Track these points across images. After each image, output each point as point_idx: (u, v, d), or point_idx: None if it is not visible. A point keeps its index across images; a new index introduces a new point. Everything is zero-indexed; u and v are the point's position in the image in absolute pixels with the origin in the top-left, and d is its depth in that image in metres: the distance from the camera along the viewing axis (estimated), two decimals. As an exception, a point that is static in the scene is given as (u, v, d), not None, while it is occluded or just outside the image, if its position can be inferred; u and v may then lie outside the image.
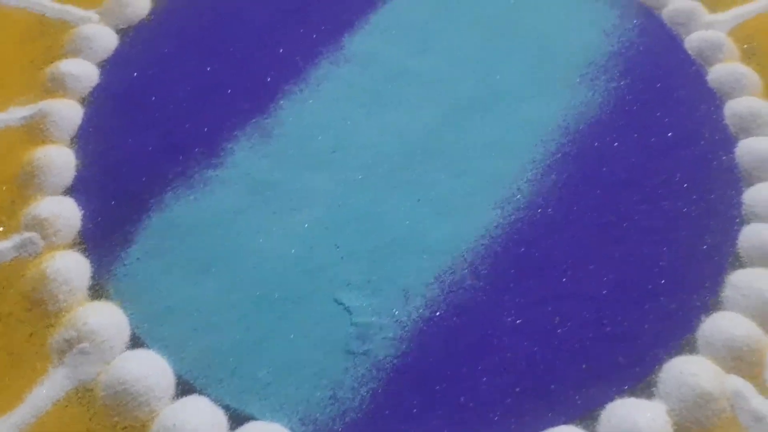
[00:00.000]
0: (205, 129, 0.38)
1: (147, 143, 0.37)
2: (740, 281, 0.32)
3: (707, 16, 0.41)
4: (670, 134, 0.37)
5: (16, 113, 0.38)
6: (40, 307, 0.32)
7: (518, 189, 0.36)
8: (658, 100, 0.38)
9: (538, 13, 0.41)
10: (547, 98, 0.38)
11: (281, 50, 0.40)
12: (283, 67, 0.40)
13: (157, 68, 0.40)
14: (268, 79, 0.39)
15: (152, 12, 0.42)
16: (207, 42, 0.41)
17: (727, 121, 0.38)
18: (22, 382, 0.31)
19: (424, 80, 0.39)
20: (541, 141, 0.37)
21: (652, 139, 0.37)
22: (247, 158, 0.37)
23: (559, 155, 0.37)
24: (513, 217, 0.35)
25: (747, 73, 0.38)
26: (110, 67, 0.40)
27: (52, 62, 0.40)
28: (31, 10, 0.42)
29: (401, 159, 0.37)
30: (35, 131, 0.37)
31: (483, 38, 0.40)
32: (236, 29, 0.41)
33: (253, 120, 0.38)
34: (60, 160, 0.36)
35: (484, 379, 0.30)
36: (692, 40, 0.40)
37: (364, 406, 0.29)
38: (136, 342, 0.32)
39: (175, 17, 0.41)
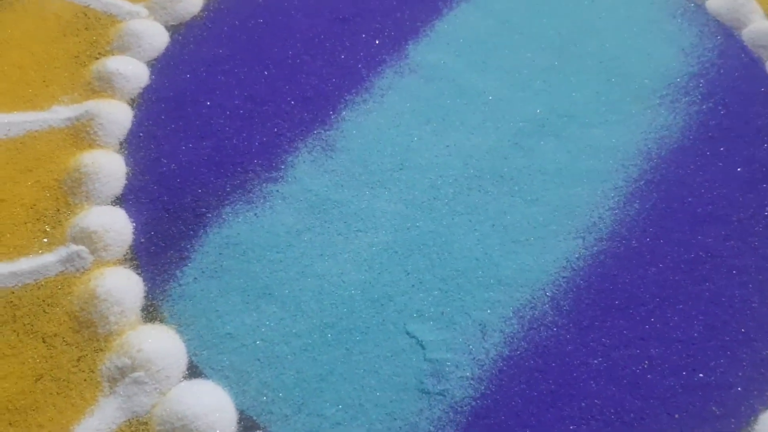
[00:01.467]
0: (264, 139, 0.35)
1: (202, 152, 0.35)
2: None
3: (790, 38, 0.38)
4: (756, 165, 0.35)
5: (61, 113, 0.35)
6: (89, 328, 0.30)
7: (600, 218, 0.34)
8: (742, 127, 0.36)
9: (609, 30, 0.39)
10: (624, 121, 0.36)
11: (342, 57, 0.38)
12: (345, 76, 0.37)
13: (211, 71, 0.37)
14: (330, 88, 0.37)
15: (205, 9, 0.40)
16: (263, 45, 0.38)
17: (817, 152, 0.35)
18: (69, 413, 0.28)
19: (489, 98, 0.37)
20: (622, 166, 0.35)
21: (738, 170, 0.35)
22: (309, 173, 0.34)
23: (642, 182, 0.35)
24: (596, 248, 0.33)
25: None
26: (161, 67, 0.37)
27: (97, 59, 0.37)
28: (75, 0, 0.39)
29: (470, 182, 0.35)
30: (81, 134, 0.34)
31: (549, 56, 0.38)
32: (294, 32, 0.38)
33: (315, 131, 0.36)
34: (110, 166, 0.34)
35: (571, 427, 0.28)
36: (776, 64, 0.38)
37: (443, 454, 0.27)
38: (193, 371, 0.29)
39: (228, 16, 0.39)
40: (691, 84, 0.38)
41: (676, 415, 0.29)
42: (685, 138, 0.37)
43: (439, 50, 0.40)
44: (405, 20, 0.40)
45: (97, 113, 0.35)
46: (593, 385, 0.30)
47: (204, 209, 0.34)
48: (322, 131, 0.36)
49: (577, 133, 0.37)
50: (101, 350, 0.30)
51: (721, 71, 0.39)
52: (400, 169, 0.35)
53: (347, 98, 0.38)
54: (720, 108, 0.38)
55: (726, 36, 0.40)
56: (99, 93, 0.36)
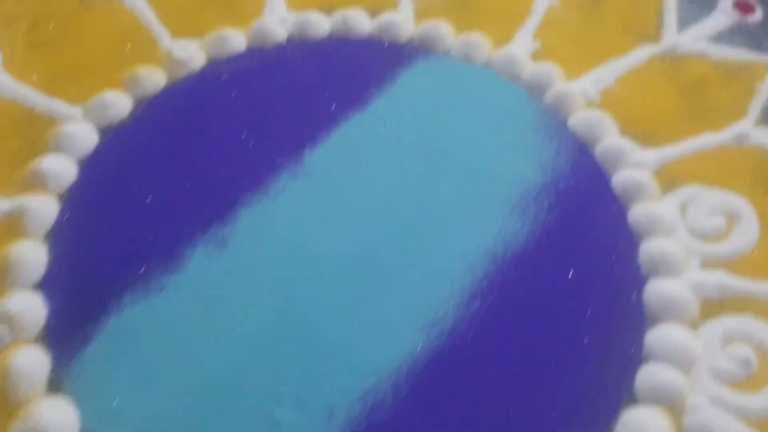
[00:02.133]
0: (167, 233, 0.42)
1: (113, 244, 0.41)
2: (630, 419, 0.36)
3: (638, 154, 0.45)
4: (585, 271, 0.41)
5: (-3, 206, 0.41)
6: (2, 399, 0.36)
7: (444, 314, 0.40)
8: (579, 236, 0.42)
9: (479, 143, 0.45)
10: (478, 226, 0.42)
11: (245, 160, 0.44)
12: (245, 177, 0.44)
13: (130, 170, 0.44)
14: (231, 188, 0.43)
15: (132, 113, 0.46)
16: (177, 148, 0.44)
17: (640, 260, 0.42)
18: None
19: (371, 199, 0.43)
20: (469, 267, 0.41)
21: (570, 274, 0.41)
22: (202, 266, 0.41)
23: (485, 283, 0.41)
24: (437, 341, 0.39)
25: (664, 215, 0.42)
26: (88, 165, 0.44)
27: (35, 157, 0.44)
28: (22, 102, 0.46)
29: (344, 275, 0.41)
30: (13, 226, 0.41)
31: (425, 164, 0.44)
32: (207, 138, 0.45)
33: (212, 228, 0.42)
34: (33, 256, 0.40)
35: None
36: (618, 179, 0.44)
37: None
38: (85, 440, 0.35)
39: (153, 120, 0.45)
40: (541, 195, 0.45)
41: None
42: (529, 244, 0.43)
43: (332, 156, 0.46)
44: (305, 128, 0.47)
45: (28, 207, 0.42)
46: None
47: (108, 297, 0.40)
48: (219, 228, 0.43)
49: (437, 235, 0.43)
50: (10, 418, 0.36)
51: (570, 183, 0.45)
52: (283, 263, 0.42)
53: (245, 198, 0.44)
54: (564, 218, 0.44)
55: (580, 151, 0.47)
56: (33, 188, 0.43)
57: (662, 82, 0.44)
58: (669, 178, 0.45)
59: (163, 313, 0.39)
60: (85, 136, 0.44)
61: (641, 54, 0.49)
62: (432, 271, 0.41)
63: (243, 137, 0.45)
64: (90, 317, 0.38)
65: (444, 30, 0.50)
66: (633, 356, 0.39)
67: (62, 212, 0.41)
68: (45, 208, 0.41)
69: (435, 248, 0.42)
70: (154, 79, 0.47)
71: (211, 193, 0.43)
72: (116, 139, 0.44)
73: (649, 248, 0.42)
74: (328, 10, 0.52)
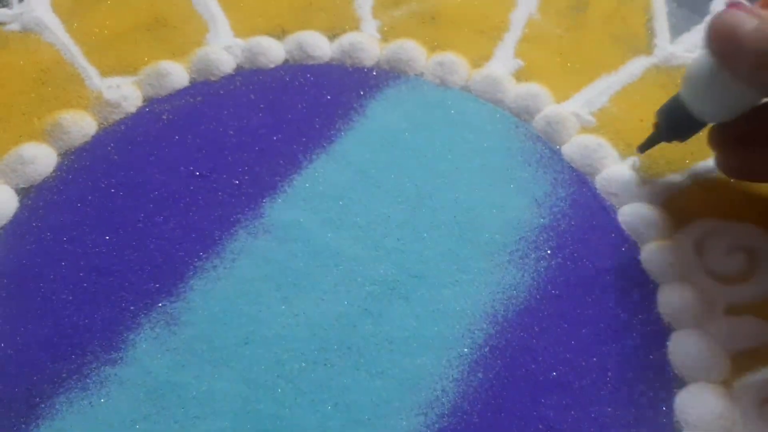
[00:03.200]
0: (107, 315, 0.35)
1: (41, 332, 0.34)
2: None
3: (645, 185, 0.39)
4: (601, 325, 0.36)
5: None
6: None
7: (443, 390, 0.34)
8: (589, 284, 0.37)
9: (464, 181, 0.39)
10: (474, 281, 0.36)
11: (196, 217, 0.38)
12: (197, 239, 0.37)
13: (58, 240, 0.36)
14: (180, 253, 0.36)
15: (57, 169, 0.39)
16: (114, 207, 0.37)
17: (659, 310, 0.36)
18: None
19: (342, 259, 0.37)
20: (468, 331, 0.35)
21: (583, 331, 0.35)
22: (149, 352, 0.34)
23: (487, 348, 0.35)
24: (437, 425, 0.33)
25: (680, 257, 0.37)
26: (6, 237, 0.37)
27: (-59, 229, 0.36)
28: (-76, 163, 0.38)
29: (316, 355, 0.34)
30: None
31: (405, 211, 0.38)
32: (147, 191, 0.38)
33: (160, 304, 0.35)
34: (-62, 358, 0.32)
35: None
36: (625, 214, 0.39)
37: None
38: None
39: (81, 176, 0.38)
40: (541, 238, 0.39)
41: None
42: (532, 297, 0.37)
43: (295, 207, 0.39)
44: (264, 175, 0.40)
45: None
46: None
47: (38, 399, 0.33)
48: (168, 303, 0.36)
49: (427, 296, 0.37)
50: None
51: (572, 222, 0.40)
52: (245, 343, 0.35)
53: (197, 264, 0.37)
54: (568, 263, 0.38)
55: (579, 183, 0.41)
56: (-63, 270, 0.35)
57: (661, 97, 0.39)
58: (679, 210, 0.39)
59: (106, 414, 0.32)
60: (1, 202, 0.36)
61: (635, 67, 0.44)
62: (424, 340, 0.35)
63: (191, 189, 0.38)
64: (18, 425, 0.31)
65: (414, 51, 0.44)
66: (663, 426, 0.33)
67: (-24, 296, 0.34)
68: (-49, 295, 0.33)
69: (425, 312, 0.35)
70: (82, 125, 0.40)
71: (156, 260, 0.36)
72: (41, 201, 0.37)
73: (668, 296, 0.36)
74: (280, 33, 0.45)
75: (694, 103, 0.33)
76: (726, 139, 0.35)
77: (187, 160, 0.40)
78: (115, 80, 0.43)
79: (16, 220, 0.37)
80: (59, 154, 0.40)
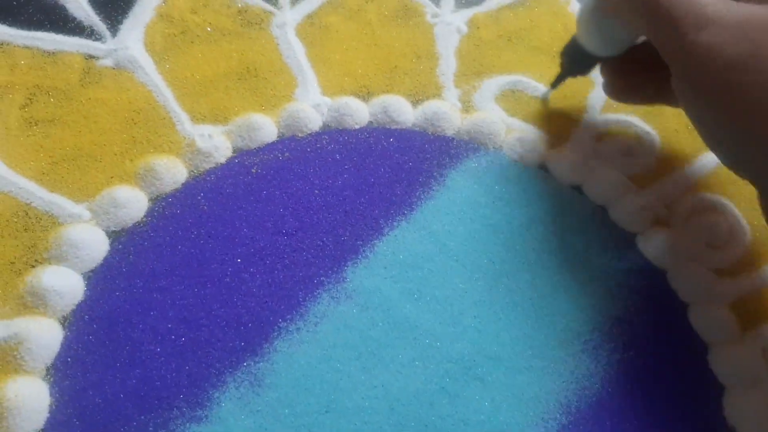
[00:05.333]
0: (193, 370, 0.35)
1: (129, 383, 0.35)
2: None
3: (717, 284, 0.40)
4: (669, 425, 0.36)
5: (-12, 331, 0.35)
6: None
7: (516, 479, 0.34)
8: (659, 382, 0.38)
9: (541, 263, 0.40)
10: (548, 368, 0.37)
11: (281, 276, 0.38)
12: (282, 298, 0.38)
13: (148, 287, 0.37)
14: (266, 312, 0.37)
15: (148, 214, 0.40)
16: (203, 259, 0.38)
17: (727, 415, 0.37)
18: None
19: (420, 333, 0.38)
20: (541, 420, 0.36)
21: (651, 430, 0.36)
22: (234, 413, 0.35)
23: (560, 439, 0.36)
24: None
25: (748, 364, 0.38)
26: (97, 280, 0.37)
27: (33, 266, 0.37)
28: (16, 196, 0.39)
29: (393, 430, 0.35)
30: (8, 357, 0.34)
31: (482, 288, 0.39)
32: (236, 246, 0.39)
33: (245, 363, 0.36)
34: (32, 400, 0.33)
35: None
36: (696, 313, 0.39)
37: None
38: None
39: (171, 224, 0.39)
40: (615, 329, 0.40)
41: None
42: (605, 390, 0.38)
43: (376, 274, 0.40)
44: (347, 238, 0.41)
45: (26, 336, 0.35)
46: None
47: (125, 452, 0.34)
48: (252, 363, 0.37)
49: (502, 379, 0.38)
50: None
51: (645, 317, 0.40)
52: (326, 411, 0.36)
53: (281, 325, 0.38)
54: (640, 358, 0.39)
55: (653, 276, 0.42)
56: (31, 309, 0.36)
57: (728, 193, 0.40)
58: (751, 311, 0.40)
59: (190, 475, 0.32)
60: (93, 243, 0.37)
61: (707, 161, 0.45)
62: (498, 425, 0.35)
63: (277, 246, 0.39)
64: (103, 480, 0.31)
65: (495, 125, 0.45)
66: None
67: (67, 340, 0.35)
68: (46, 335, 0.34)
69: (500, 396, 0.36)
70: (174, 172, 0.41)
71: (242, 317, 0.37)
72: (131, 246, 0.38)
73: (735, 402, 0.37)
74: (366, 95, 0.46)
75: (584, 41, 0.40)
76: (614, 69, 0.40)
77: (274, 217, 0.41)
78: (207, 128, 0.43)
79: (107, 264, 0.38)
80: (150, 199, 0.40)
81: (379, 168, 0.44)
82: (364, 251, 0.40)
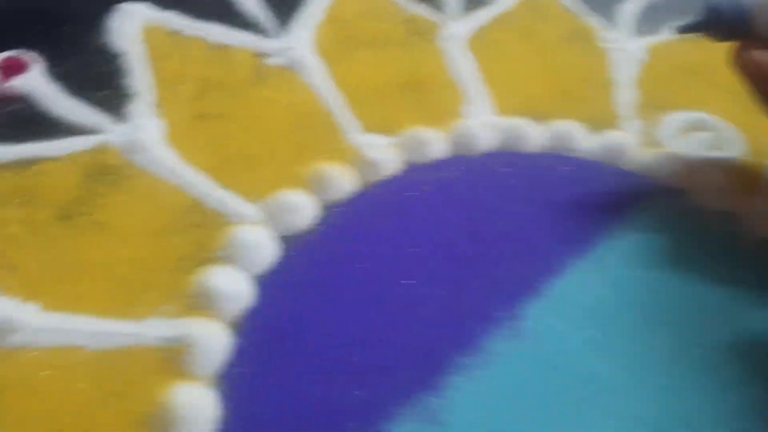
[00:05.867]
0: (364, 397, 0.33)
1: (299, 401, 0.33)
2: None
3: None
4: None
5: (155, 329, 0.33)
6: None
7: None
8: None
9: (735, 323, 0.36)
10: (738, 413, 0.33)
11: (455, 305, 0.36)
12: (455, 330, 0.35)
13: (321, 298, 0.35)
14: (441, 343, 0.35)
15: (320, 221, 0.38)
16: (375, 278, 0.36)
17: None
18: None
19: (604, 388, 0.34)
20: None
21: None
22: (407, 449, 0.32)
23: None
24: None
25: None
26: (267, 285, 0.35)
27: (201, 265, 0.35)
28: (187, 190, 0.37)
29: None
30: (175, 360, 0.32)
31: (671, 343, 0.35)
32: (408, 268, 0.37)
33: (417, 395, 0.33)
34: (201, 409, 0.32)
35: None
36: None
37: None
38: None
39: (344, 232, 0.37)
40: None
41: None
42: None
43: (555, 315, 0.37)
44: (522, 272, 0.38)
45: (195, 340, 0.33)
46: None
47: (293, 474, 0.31)
48: (426, 396, 0.34)
49: (692, 434, 0.34)
50: None
51: None
52: (504, 456, 0.33)
53: (455, 359, 0.35)
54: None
55: None
56: (199, 311, 0.34)
57: None
58: None
59: None
60: (264, 246, 0.36)
61: None
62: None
63: (449, 273, 0.37)
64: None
65: (682, 165, 0.42)
66: None
67: (237, 347, 0.33)
68: (215, 341, 0.32)
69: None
70: (343, 181, 0.39)
71: (415, 346, 0.34)
72: (303, 253, 0.36)
73: None
74: (538, 118, 0.44)
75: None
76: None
77: (446, 240, 0.38)
78: (376, 139, 0.41)
79: (277, 269, 0.36)
80: (320, 206, 0.38)
81: (555, 199, 0.41)
82: (540, 289, 0.37)
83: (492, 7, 0.50)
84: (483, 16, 0.49)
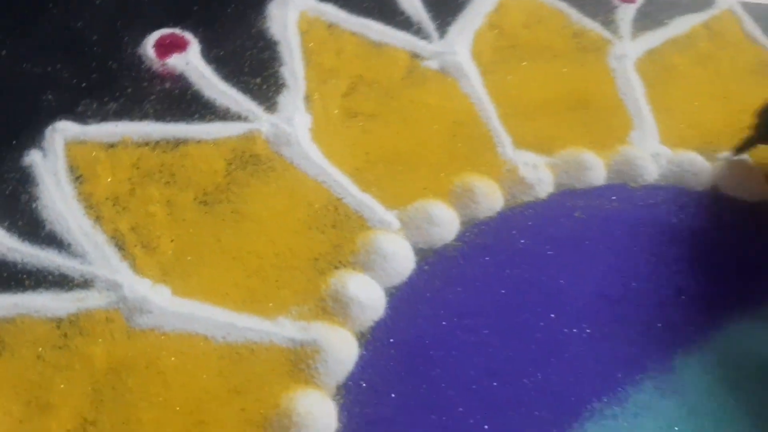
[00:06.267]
0: (493, 429, 0.30)
1: (419, 427, 0.30)
2: None
3: None
4: None
5: (286, 329, 0.32)
6: None
7: None
8: None
9: None
10: None
11: (599, 348, 0.33)
12: (598, 375, 0.33)
13: (453, 322, 0.33)
14: (579, 387, 0.31)
15: (459, 239, 0.36)
16: (515, 305, 0.34)
17: None
18: None
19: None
20: None
21: None
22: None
23: None
24: None
25: None
26: (399, 299, 0.34)
27: (337, 268, 0.34)
28: (329, 188, 0.36)
29: None
30: (301, 364, 0.31)
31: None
32: (551, 298, 0.34)
33: (553, 439, 0.30)
34: (322, 421, 0.30)
35: None
36: None
37: None
38: None
39: (483, 255, 0.35)
40: None
41: None
42: None
43: (709, 373, 0.34)
44: (678, 322, 0.35)
45: (324, 346, 0.32)
46: None
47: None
48: (561, 442, 0.31)
49: None
50: None
51: None
52: None
53: (594, 406, 0.32)
54: None
55: None
56: (330, 316, 0.33)
57: None
58: None
59: None
60: (401, 258, 0.34)
61: None
62: None
63: (598, 311, 0.34)
64: None
65: None
66: None
67: (363, 360, 0.31)
68: (343, 350, 0.31)
69: None
70: (492, 198, 0.37)
71: (553, 386, 0.32)
72: (438, 271, 0.34)
73: None
74: (711, 152, 0.39)
75: None
76: None
77: (598, 275, 0.35)
78: (530, 157, 0.38)
79: (411, 283, 0.34)
80: (461, 222, 0.36)
81: (723, 247, 0.36)
82: (697, 341, 0.33)
83: (666, 28, 0.46)
84: (656, 37, 0.45)
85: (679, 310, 0.34)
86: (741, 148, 0.38)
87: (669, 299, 0.34)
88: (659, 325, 0.33)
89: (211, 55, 0.41)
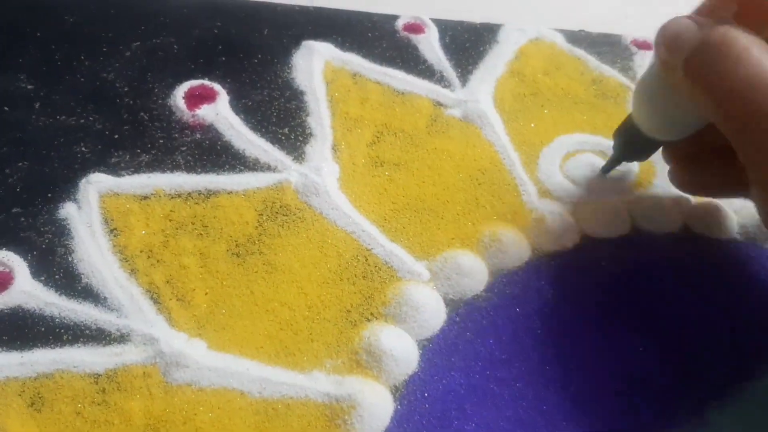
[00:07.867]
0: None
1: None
2: None
3: None
4: None
5: (320, 383, 0.32)
6: None
7: None
8: None
9: None
10: None
11: (634, 402, 0.33)
12: (635, 427, 0.32)
13: (485, 375, 0.33)
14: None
15: (488, 289, 0.36)
16: (544, 358, 0.34)
17: None
18: None
19: None
20: None
21: None
22: None
23: None
24: None
25: None
26: (432, 353, 0.34)
27: (369, 320, 0.34)
28: (358, 238, 0.36)
29: None
30: (338, 420, 0.31)
31: None
32: (580, 353, 0.34)
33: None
34: (360, 478, 0.30)
35: None
36: None
37: None
38: None
39: (513, 306, 0.35)
40: None
41: None
42: None
43: (740, 422, 0.34)
44: (714, 375, 0.35)
45: (359, 401, 0.32)
46: None
47: None
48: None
49: None
50: None
51: None
52: None
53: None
54: None
55: None
56: (364, 369, 0.33)
57: None
58: None
59: None
60: (433, 309, 0.34)
61: None
62: None
63: (627, 366, 0.34)
64: None
65: None
66: None
67: (398, 416, 0.31)
68: (379, 406, 0.31)
69: None
70: (520, 248, 0.37)
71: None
72: (469, 323, 0.34)
73: None
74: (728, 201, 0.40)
75: (641, 122, 0.34)
76: (677, 156, 0.36)
77: (625, 327, 0.35)
78: (556, 206, 0.39)
79: (443, 336, 0.34)
80: (490, 272, 0.36)
81: (751, 293, 0.37)
82: (730, 393, 0.33)
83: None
84: (675, 83, 0.46)
85: (716, 363, 0.34)
86: (606, 168, 0.40)
87: (693, 352, 0.34)
88: (693, 377, 0.33)
89: (239, 105, 0.41)
